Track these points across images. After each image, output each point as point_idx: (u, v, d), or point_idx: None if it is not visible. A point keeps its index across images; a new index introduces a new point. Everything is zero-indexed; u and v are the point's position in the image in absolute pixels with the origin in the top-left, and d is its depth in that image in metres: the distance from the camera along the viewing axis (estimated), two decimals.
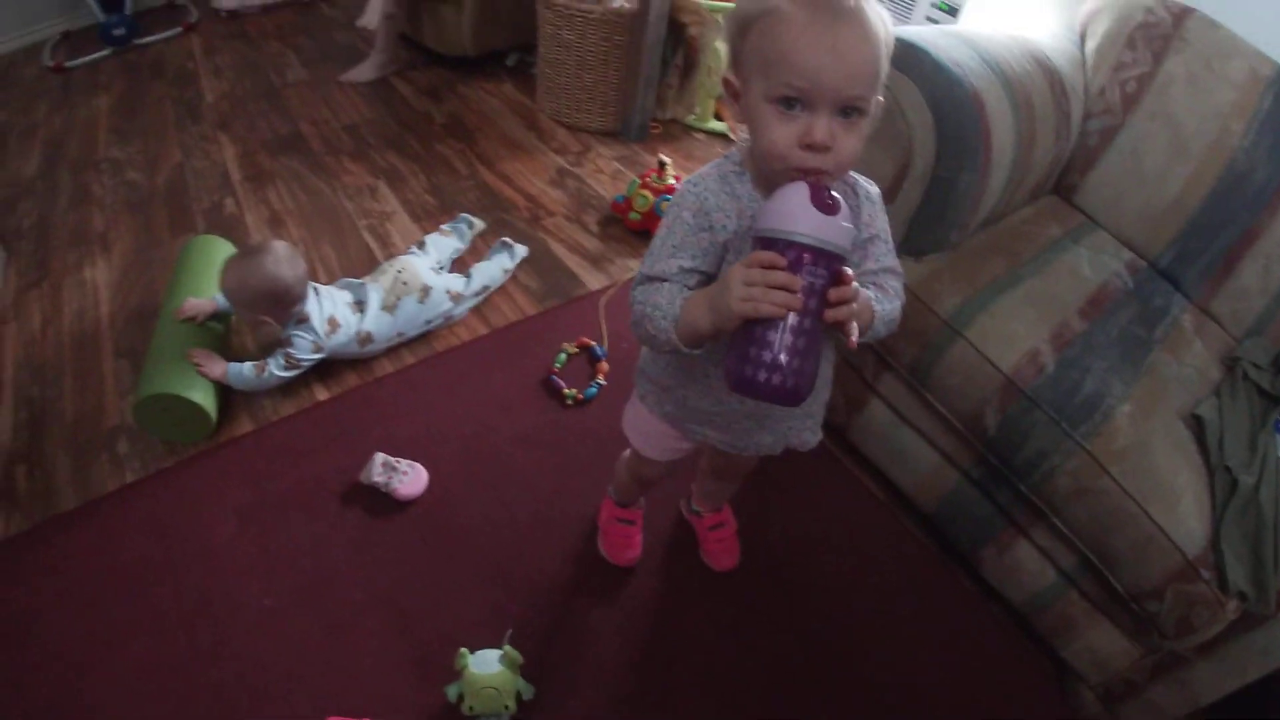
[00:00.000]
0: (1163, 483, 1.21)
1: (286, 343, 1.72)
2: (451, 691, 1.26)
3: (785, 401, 0.79)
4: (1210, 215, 1.56)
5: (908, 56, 1.31)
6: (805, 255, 0.76)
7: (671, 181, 2.26)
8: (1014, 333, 1.33)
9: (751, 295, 0.76)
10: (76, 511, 1.54)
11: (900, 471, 1.59)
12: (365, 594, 1.42)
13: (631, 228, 2.33)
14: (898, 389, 1.51)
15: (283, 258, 1.67)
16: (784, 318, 0.76)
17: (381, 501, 1.56)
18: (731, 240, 0.89)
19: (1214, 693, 1.27)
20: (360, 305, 1.81)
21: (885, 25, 0.81)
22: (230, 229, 2.25)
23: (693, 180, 0.92)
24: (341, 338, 1.76)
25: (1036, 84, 1.48)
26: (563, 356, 1.89)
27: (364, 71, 3.11)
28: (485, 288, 2.03)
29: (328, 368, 1.82)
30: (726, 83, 0.87)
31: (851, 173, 0.95)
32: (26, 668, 1.31)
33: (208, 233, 2.15)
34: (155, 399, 1.58)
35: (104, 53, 3.30)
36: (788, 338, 0.77)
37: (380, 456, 1.58)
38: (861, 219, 0.93)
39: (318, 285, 1.79)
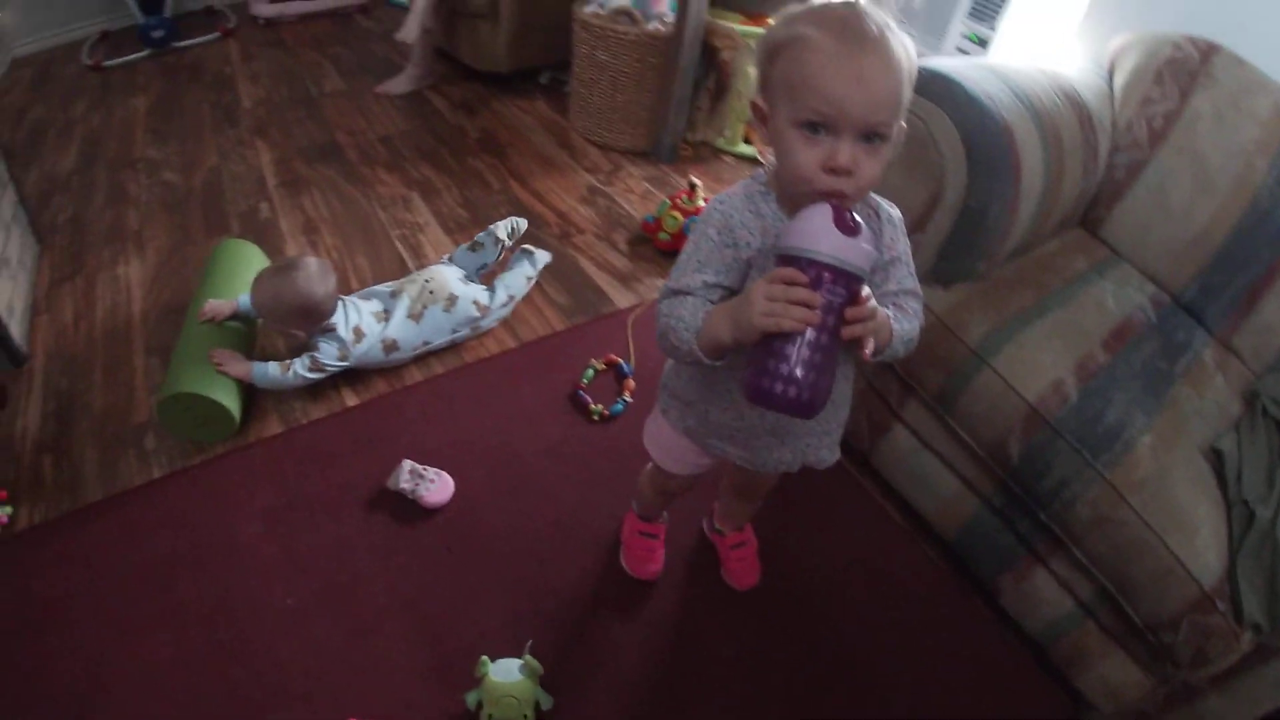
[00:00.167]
0: (1181, 514, 1.22)
1: (313, 348, 1.74)
2: (471, 698, 1.27)
3: (799, 413, 0.82)
4: (1234, 251, 1.56)
5: (942, 88, 1.34)
6: (825, 274, 0.79)
7: (701, 204, 2.27)
8: (1039, 363, 1.34)
9: (773, 310, 0.78)
10: (102, 504, 1.56)
11: (921, 497, 1.60)
12: (388, 599, 1.43)
13: (661, 248, 2.35)
14: (922, 415, 1.52)
15: (315, 275, 1.70)
16: (802, 333, 0.79)
17: (407, 508, 1.57)
18: (755, 257, 0.92)
19: None
20: (386, 314, 1.83)
21: (908, 54, 0.83)
22: (264, 233, 2.28)
23: (720, 199, 0.95)
24: (366, 346, 1.78)
25: (1065, 118, 1.50)
26: (590, 372, 1.91)
27: (400, 84, 3.16)
28: (511, 298, 2.03)
29: (357, 374, 1.84)
30: (755, 106, 0.90)
31: (875, 196, 0.98)
32: (46, 655, 1.32)
33: (242, 236, 2.18)
34: (176, 399, 1.60)
35: (142, 54, 3.36)
36: (805, 352, 0.79)
37: (408, 463, 1.59)
38: (883, 241, 0.96)
39: (344, 296, 1.82)
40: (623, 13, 2.63)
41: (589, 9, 2.70)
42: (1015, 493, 1.38)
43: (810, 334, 0.79)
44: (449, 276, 1.93)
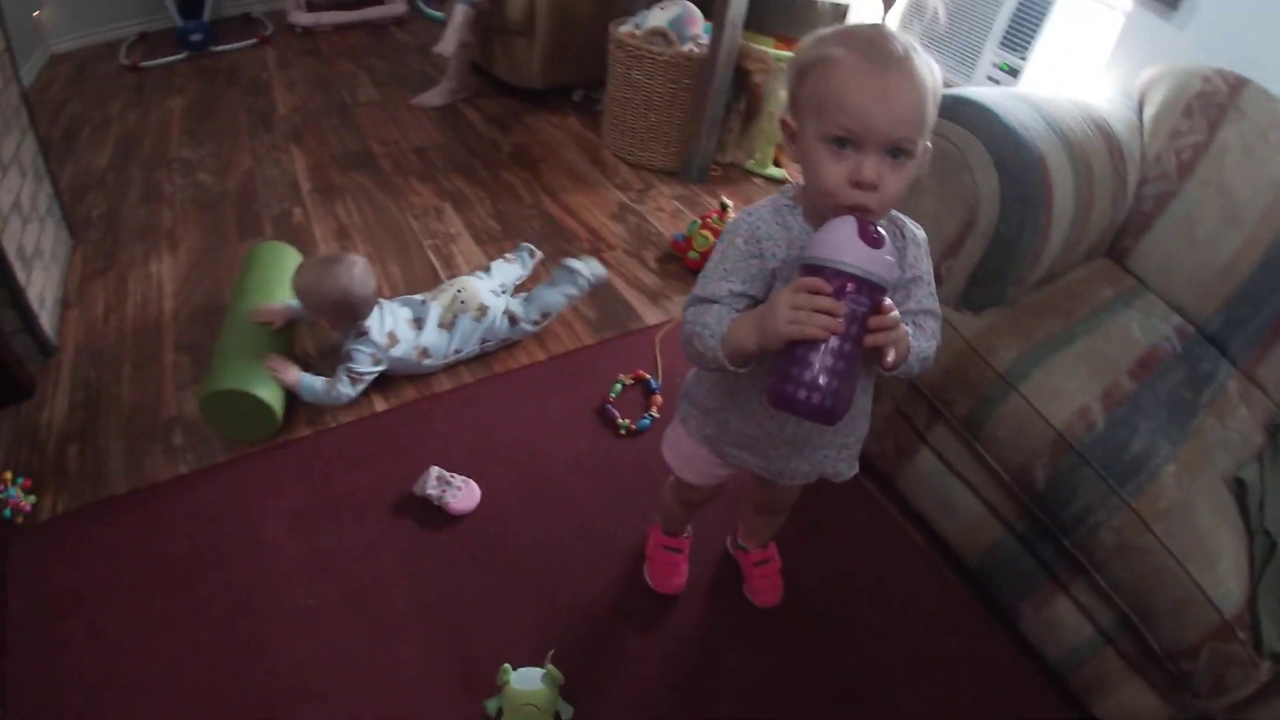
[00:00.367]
0: (1204, 543, 1.22)
1: (346, 357, 1.76)
2: (491, 705, 1.28)
3: (822, 419, 0.83)
4: (1259, 283, 1.56)
5: (977, 116, 1.36)
6: (849, 284, 0.81)
7: None
8: (1067, 390, 1.35)
9: (797, 318, 0.80)
10: (126, 497, 1.57)
11: (945, 521, 1.61)
12: (410, 603, 1.44)
13: (690, 266, 2.36)
14: (949, 439, 1.53)
15: (358, 274, 1.73)
16: (825, 340, 0.81)
17: (433, 514, 1.58)
18: (780, 268, 0.94)
19: None
20: (419, 322, 1.85)
21: (933, 75, 0.86)
22: (297, 238, 2.31)
23: (748, 210, 0.98)
24: (399, 352, 1.80)
25: (1096, 148, 1.51)
26: (618, 387, 1.92)
27: (435, 96, 3.20)
28: (546, 314, 2.02)
29: (387, 380, 1.85)
30: (784, 124, 0.93)
31: (901, 216, 1.00)
32: (65, 643, 1.33)
33: (275, 239, 2.20)
34: (229, 394, 1.61)
35: (179, 56, 3.41)
36: (828, 359, 0.81)
37: (435, 470, 1.61)
38: (906, 259, 0.98)
39: (382, 300, 1.84)
40: (658, 33, 2.66)
41: (625, 29, 2.74)
42: (1039, 518, 1.38)
43: (834, 342, 0.81)
44: (480, 287, 1.95)
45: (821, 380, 0.81)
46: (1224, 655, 1.18)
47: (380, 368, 1.80)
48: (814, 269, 0.83)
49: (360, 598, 1.44)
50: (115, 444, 1.68)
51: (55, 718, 1.25)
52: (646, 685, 1.38)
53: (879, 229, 0.82)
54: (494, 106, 3.25)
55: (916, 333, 0.97)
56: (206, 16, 3.45)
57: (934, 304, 1.02)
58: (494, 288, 2.03)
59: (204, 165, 2.68)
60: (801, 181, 0.94)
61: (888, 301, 0.84)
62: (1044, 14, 2.20)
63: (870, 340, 0.83)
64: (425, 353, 1.85)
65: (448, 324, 1.87)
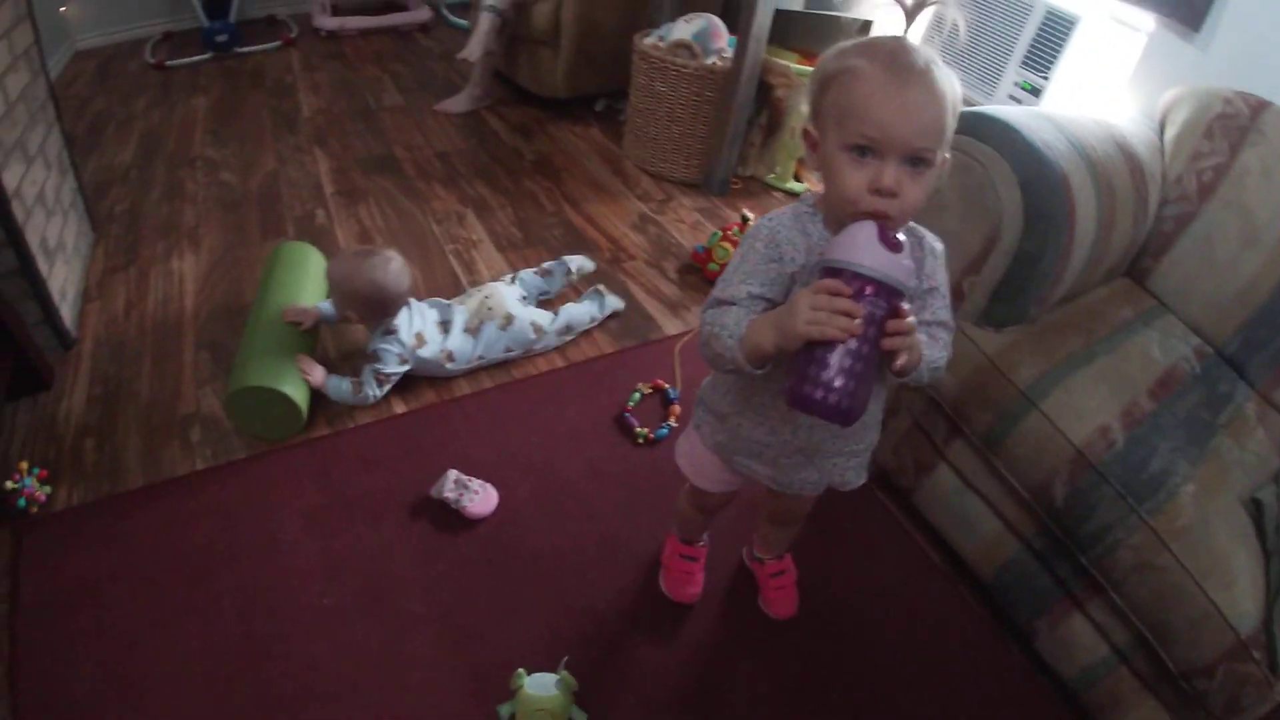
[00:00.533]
0: (1221, 562, 1.22)
1: (374, 357, 1.77)
2: (504, 710, 1.28)
3: (838, 419, 0.84)
4: (1278, 306, 1.56)
5: (1001, 135, 1.36)
6: (868, 287, 0.82)
7: None
8: (1087, 408, 1.35)
9: (816, 319, 0.81)
10: (142, 490, 1.58)
11: (961, 537, 1.60)
12: (425, 606, 1.44)
13: (710, 278, 2.35)
14: (968, 455, 1.53)
15: (393, 270, 1.74)
16: (843, 342, 0.82)
17: (449, 517, 1.58)
18: (799, 273, 0.95)
19: None
20: (446, 325, 1.87)
21: (953, 87, 0.87)
22: (319, 240, 2.32)
23: (769, 216, 0.99)
24: (426, 353, 1.81)
25: (1118, 168, 1.52)
26: (637, 396, 1.92)
27: (458, 103, 3.22)
28: (569, 328, 2.04)
29: (407, 383, 1.86)
30: (806, 134, 0.95)
31: (920, 229, 1.01)
32: (77, 634, 1.34)
33: (298, 240, 2.21)
34: (259, 391, 1.62)
35: (204, 56, 3.44)
36: (845, 361, 0.82)
37: (453, 473, 1.61)
38: (924, 270, 0.99)
39: (412, 300, 1.85)
40: (683, 46, 2.67)
41: (649, 40, 2.76)
42: (1057, 536, 1.38)
43: (852, 343, 0.82)
44: (507, 295, 1.97)
45: (839, 381, 0.82)
46: (1239, 675, 1.18)
47: (406, 368, 1.81)
48: (834, 271, 0.84)
49: (375, 599, 1.44)
50: (132, 438, 1.69)
51: (65, 708, 1.26)
52: (660, 693, 1.38)
53: (898, 235, 0.84)
54: (517, 114, 3.27)
55: (929, 343, 0.98)
56: (232, 17, 3.48)
57: (948, 316, 1.03)
58: (520, 296, 2.04)
59: (227, 165, 2.70)
60: (823, 190, 0.96)
61: (905, 306, 0.85)
62: (1066, 34, 2.21)
63: (886, 344, 0.84)
64: (450, 356, 1.86)
65: (473, 329, 1.88)
